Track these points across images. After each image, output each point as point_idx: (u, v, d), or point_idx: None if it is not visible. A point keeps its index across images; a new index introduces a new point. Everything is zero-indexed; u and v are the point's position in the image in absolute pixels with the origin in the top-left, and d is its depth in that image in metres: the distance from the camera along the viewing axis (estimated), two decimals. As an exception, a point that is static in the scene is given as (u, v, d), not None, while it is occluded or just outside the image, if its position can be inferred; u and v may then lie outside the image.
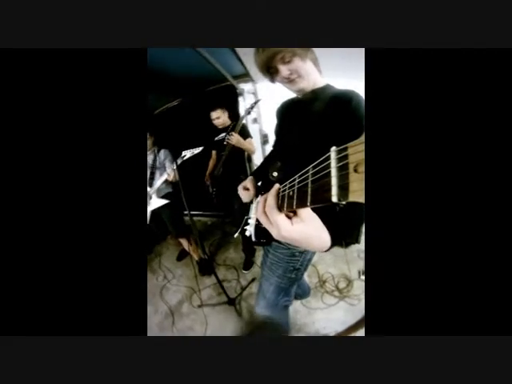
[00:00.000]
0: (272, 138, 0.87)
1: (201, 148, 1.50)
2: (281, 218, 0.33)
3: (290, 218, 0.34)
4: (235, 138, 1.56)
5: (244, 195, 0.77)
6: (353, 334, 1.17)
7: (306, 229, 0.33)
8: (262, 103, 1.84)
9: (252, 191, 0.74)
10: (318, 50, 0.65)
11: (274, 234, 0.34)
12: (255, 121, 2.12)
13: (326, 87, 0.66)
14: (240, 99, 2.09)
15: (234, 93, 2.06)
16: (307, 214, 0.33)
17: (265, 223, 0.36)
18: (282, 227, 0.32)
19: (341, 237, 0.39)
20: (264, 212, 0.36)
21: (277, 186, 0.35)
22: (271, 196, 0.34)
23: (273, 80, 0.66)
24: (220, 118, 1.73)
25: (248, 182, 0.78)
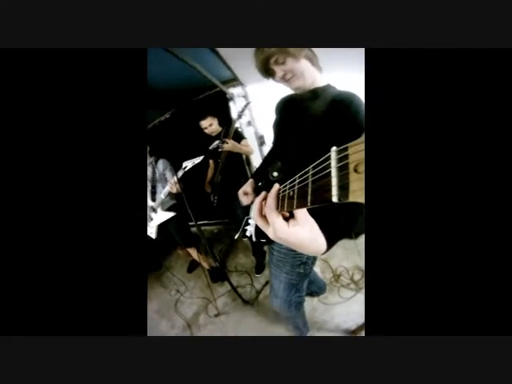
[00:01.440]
0: (269, 137, 0.86)
1: (202, 157, 1.48)
2: (279, 220, 0.33)
3: (287, 220, 0.34)
4: (230, 145, 1.54)
5: (244, 200, 0.77)
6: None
7: (302, 232, 0.33)
8: (254, 105, 1.81)
9: (251, 196, 0.74)
10: (317, 49, 0.66)
11: (271, 235, 0.34)
12: (249, 123, 2.11)
13: (327, 87, 0.66)
14: (231, 104, 2.07)
15: (224, 98, 2.05)
16: (304, 217, 0.33)
17: (261, 225, 0.36)
18: (279, 229, 0.32)
19: (336, 240, 0.39)
20: (261, 214, 0.36)
21: (276, 186, 0.35)
22: (271, 197, 0.34)
23: (274, 80, 0.67)
24: (212, 124, 1.71)
25: (247, 187, 0.78)
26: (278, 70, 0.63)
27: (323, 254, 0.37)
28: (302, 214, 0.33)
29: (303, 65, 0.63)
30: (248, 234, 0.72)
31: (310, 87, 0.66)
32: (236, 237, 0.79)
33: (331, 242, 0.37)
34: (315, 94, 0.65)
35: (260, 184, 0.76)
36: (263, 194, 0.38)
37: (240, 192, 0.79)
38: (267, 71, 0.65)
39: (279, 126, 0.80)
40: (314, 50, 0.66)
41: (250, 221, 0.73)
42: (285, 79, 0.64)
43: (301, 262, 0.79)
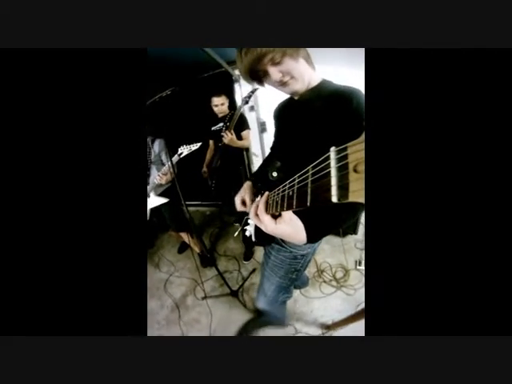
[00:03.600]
0: (271, 124, 0.84)
1: (199, 144, 1.43)
2: (267, 219, 0.42)
3: (275, 218, 0.43)
4: (228, 138, 1.52)
5: (240, 208, 0.75)
6: (349, 324, 1.19)
7: (286, 228, 0.42)
8: (259, 90, 1.79)
9: (248, 206, 0.73)
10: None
11: (263, 229, 0.44)
12: (252, 109, 2.06)
13: (322, 83, 0.62)
14: (236, 86, 2.00)
15: (229, 79, 1.95)
16: (288, 216, 0.43)
17: (256, 222, 0.46)
18: (268, 225, 0.43)
19: (318, 235, 0.49)
20: (256, 214, 0.45)
21: (266, 193, 0.45)
22: (262, 202, 0.44)
23: (262, 84, 0.61)
24: (224, 104, 1.67)
25: (246, 194, 0.75)
26: (274, 72, 0.54)
27: (306, 244, 0.47)
28: (287, 213, 0.42)
29: (301, 66, 0.57)
30: (247, 234, 0.73)
31: (306, 89, 0.61)
32: (235, 234, 0.80)
33: (312, 236, 0.46)
34: (312, 93, 0.61)
35: (259, 185, 0.76)
36: (260, 197, 0.46)
37: (237, 199, 0.76)
38: (257, 73, 0.57)
39: (279, 132, 0.78)
40: (309, 48, 0.61)
41: (249, 221, 0.73)
42: (281, 82, 0.57)
43: (295, 269, 0.81)
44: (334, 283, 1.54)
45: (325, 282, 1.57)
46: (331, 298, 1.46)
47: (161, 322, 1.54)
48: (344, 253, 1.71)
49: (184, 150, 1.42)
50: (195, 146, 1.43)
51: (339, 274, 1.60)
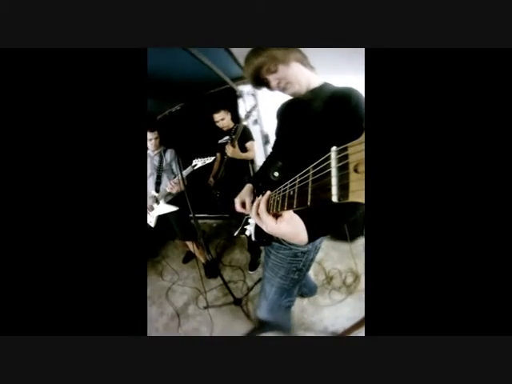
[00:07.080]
0: (273, 139, 0.86)
1: (213, 158, 1.49)
2: (269, 219, 0.43)
3: (276, 218, 0.43)
4: (230, 150, 1.57)
5: (239, 210, 0.76)
6: (358, 331, 1.16)
7: (287, 227, 0.43)
8: (262, 104, 1.87)
9: (248, 207, 0.74)
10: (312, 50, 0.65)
11: (264, 228, 0.45)
12: (255, 122, 2.15)
13: (324, 86, 0.66)
14: (240, 101, 2.12)
15: (233, 95, 2.09)
16: (289, 215, 0.43)
17: (257, 222, 0.47)
18: (269, 225, 0.43)
19: (318, 235, 0.48)
20: (257, 214, 0.46)
21: (268, 192, 0.45)
22: (263, 202, 0.45)
23: (270, 88, 0.68)
24: (224, 119, 1.74)
25: (245, 196, 0.77)
26: (272, 79, 0.62)
27: (307, 244, 0.47)
28: (287, 213, 0.42)
29: (295, 69, 0.62)
30: (247, 233, 0.73)
31: (306, 90, 0.65)
32: (235, 234, 0.79)
33: (312, 236, 0.46)
34: (313, 94, 0.64)
35: (260, 185, 0.76)
36: (263, 196, 0.46)
37: (237, 201, 0.78)
38: (260, 81, 0.65)
39: (281, 132, 0.80)
40: (304, 50, 0.66)
41: (249, 220, 0.73)
42: (280, 87, 0.64)
43: (296, 269, 0.78)
44: (343, 290, 1.51)
45: (334, 289, 1.54)
46: (341, 305, 1.43)
47: (159, 329, 1.53)
48: (353, 257, 1.66)
49: (198, 162, 1.47)
50: (209, 160, 1.48)
51: (349, 280, 1.57)
